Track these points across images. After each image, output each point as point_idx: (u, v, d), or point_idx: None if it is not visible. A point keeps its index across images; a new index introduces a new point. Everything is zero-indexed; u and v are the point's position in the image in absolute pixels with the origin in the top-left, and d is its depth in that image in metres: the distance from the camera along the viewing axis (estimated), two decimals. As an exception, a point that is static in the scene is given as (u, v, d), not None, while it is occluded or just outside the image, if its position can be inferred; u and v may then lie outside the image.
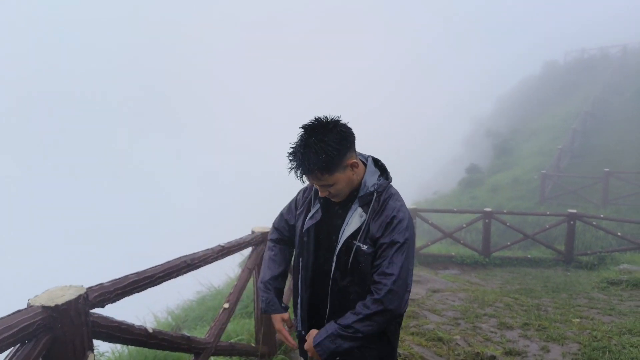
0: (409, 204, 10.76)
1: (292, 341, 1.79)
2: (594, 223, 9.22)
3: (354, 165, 1.62)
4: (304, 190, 1.89)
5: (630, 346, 3.93)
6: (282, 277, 1.89)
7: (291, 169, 1.57)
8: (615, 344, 3.99)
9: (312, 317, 1.79)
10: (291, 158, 1.56)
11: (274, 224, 2.00)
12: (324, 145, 1.50)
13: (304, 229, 1.75)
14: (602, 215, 9.78)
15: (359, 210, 1.65)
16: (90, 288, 1.59)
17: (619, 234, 8.97)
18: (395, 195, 1.71)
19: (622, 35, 30.77)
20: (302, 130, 1.56)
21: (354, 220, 1.64)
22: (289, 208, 1.96)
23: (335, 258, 1.66)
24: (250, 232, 3.21)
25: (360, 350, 1.68)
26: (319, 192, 1.67)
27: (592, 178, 14.31)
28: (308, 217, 1.75)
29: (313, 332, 1.69)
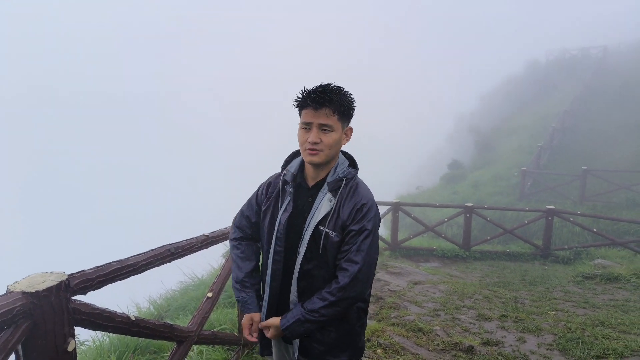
0: (392, 197, 10.87)
1: (254, 338, 1.75)
2: (571, 219, 9.47)
3: (347, 133, 1.70)
4: (267, 185, 1.86)
5: (603, 337, 4.06)
6: (255, 271, 1.86)
7: (301, 103, 1.61)
8: (588, 336, 4.12)
9: (278, 305, 1.77)
10: (304, 93, 1.60)
11: (234, 223, 1.95)
12: (345, 93, 1.63)
13: (280, 223, 1.72)
14: (579, 212, 10.05)
15: (329, 195, 1.67)
16: (72, 275, 1.56)
17: (594, 230, 9.24)
18: (362, 183, 1.75)
19: (602, 37, 31.44)
20: (315, 85, 1.62)
21: (324, 205, 1.66)
22: (249, 204, 1.92)
23: (304, 243, 1.66)
24: (234, 222, 3.19)
25: (320, 332, 1.71)
26: (311, 136, 1.61)
27: (570, 176, 14.65)
28: (282, 211, 1.73)
29: (274, 319, 1.68)
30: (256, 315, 1.76)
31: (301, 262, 1.67)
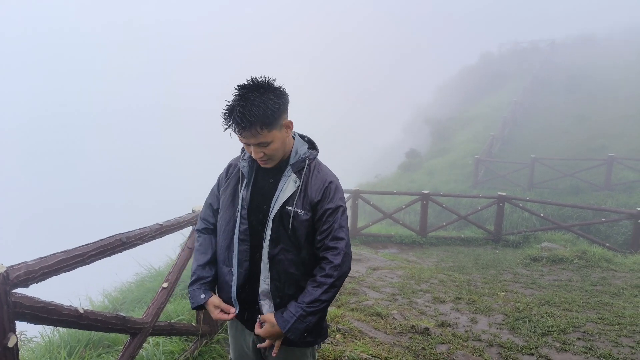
0: (352, 186, 10.98)
1: (229, 316, 1.71)
2: (520, 205, 9.94)
3: (288, 126, 1.65)
4: (227, 167, 1.85)
5: (548, 315, 4.31)
6: (209, 264, 1.80)
7: (228, 125, 1.53)
8: (535, 314, 4.36)
9: (246, 295, 1.73)
10: (227, 115, 1.52)
11: (199, 215, 1.94)
12: (265, 99, 1.50)
13: (243, 199, 1.69)
14: (527, 198, 10.56)
15: (293, 176, 1.67)
16: (11, 267, 1.47)
17: (541, 215, 9.74)
18: (323, 164, 1.78)
19: (550, 31, 32.99)
20: (239, 88, 1.53)
21: (289, 185, 1.65)
22: (211, 193, 1.91)
23: (269, 225, 1.64)
24: (191, 211, 3.12)
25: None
26: (253, 154, 1.61)
27: (519, 163, 15.34)
28: (243, 189, 1.70)
29: (268, 316, 1.64)
30: (215, 300, 1.72)
31: (268, 246, 1.64)
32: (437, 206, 10.34)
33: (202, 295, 1.73)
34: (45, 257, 1.64)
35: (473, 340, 3.74)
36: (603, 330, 3.95)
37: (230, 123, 1.52)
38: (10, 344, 1.38)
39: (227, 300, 1.73)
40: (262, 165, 1.69)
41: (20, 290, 1.51)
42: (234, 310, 1.70)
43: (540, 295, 5.20)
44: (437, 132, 23.72)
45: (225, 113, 1.53)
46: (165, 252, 6.58)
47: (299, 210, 1.63)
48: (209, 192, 1.94)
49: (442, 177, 16.73)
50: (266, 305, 1.67)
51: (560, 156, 15.40)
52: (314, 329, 1.69)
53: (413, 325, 3.94)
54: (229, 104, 1.53)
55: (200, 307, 1.74)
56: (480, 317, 4.37)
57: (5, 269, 1.39)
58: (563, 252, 7.47)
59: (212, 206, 1.89)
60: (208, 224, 1.88)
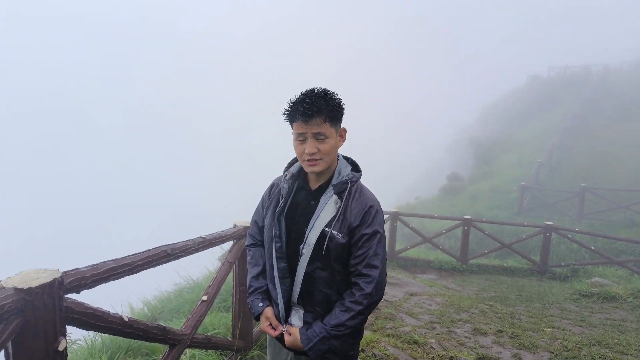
0: (391, 207, 10.83)
1: (276, 332, 1.75)
2: (569, 236, 9.44)
3: (342, 136, 1.69)
4: (270, 187, 1.89)
5: (599, 357, 4.02)
6: (261, 275, 1.87)
7: (292, 112, 1.58)
8: (585, 355, 4.08)
9: (287, 306, 1.76)
10: (291, 108, 1.59)
11: (248, 231, 2.01)
12: (331, 97, 1.59)
13: (280, 222, 1.72)
14: (577, 229, 10.03)
15: (334, 197, 1.66)
16: (66, 272, 1.53)
17: (592, 247, 9.22)
18: (366, 187, 1.77)
19: (604, 55, 31.69)
20: (303, 92, 1.60)
21: (329, 207, 1.65)
22: (256, 210, 1.98)
23: (308, 245, 1.64)
24: (232, 226, 3.16)
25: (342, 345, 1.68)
26: (308, 148, 1.60)
27: (568, 192, 14.65)
28: (280, 209, 1.73)
29: (294, 330, 1.68)
30: (266, 312, 1.78)
31: (304, 264, 1.66)
32: (479, 232, 10.00)
33: (260, 304, 1.80)
34: (97, 264, 1.69)
35: (516, 377, 3.54)
36: (663, 378, 3.64)
37: (294, 113, 1.57)
38: (61, 348, 1.43)
39: (276, 315, 1.77)
40: (309, 168, 1.65)
41: (71, 296, 1.57)
42: (280, 329, 1.73)
43: (590, 335, 4.87)
44: (481, 155, 23.13)
45: (288, 107, 1.60)
46: (203, 263, 6.72)
47: (335, 232, 1.62)
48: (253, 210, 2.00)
49: (485, 203, 16.22)
50: (295, 318, 1.71)
51: (613, 186, 14.59)
52: (339, 353, 1.67)
53: (452, 357, 3.78)
54: (292, 100, 1.60)
55: (259, 317, 1.80)
56: (525, 353, 4.13)
57: (61, 274, 1.45)
58: (616, 289, 7.00)
59: (257, 223, 1.95)
60: (255, 240, 1.95)
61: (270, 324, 1.76)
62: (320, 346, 1.60)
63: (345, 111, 1.67)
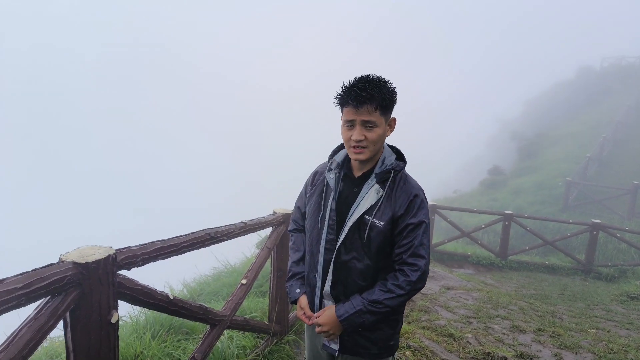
0: (429, 200, 10.65)
1: (310, 321, 1.77)
2: (618, 235, 8.99)
3: (391, 125, 1.66)
4: (314, 174, 1.90)
5: (648, 361, 3.84)
6: (302, 260, 1.90)
7: (344, 97, 1.57)
8: (632, 359, 3.90)
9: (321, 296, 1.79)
10: (344, 93, 1.58)
11: (291, 217, 2.05)
12: (385, 85, 1.57)
13: (331, 210, 1.72)
14: (627, 228, 9.53)
15: (376, 186, 1.65)
16: (118, 250, 1.62)
17: (643, 248, 8.74)
18: (411, 176, 1.73)
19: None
20: (357, 78, 1.59)
21: (371, 195, 1.64)
22: (300, 196, 1.99)
23: (344, 232, 1.65)
24: (271, 213, 3.22)
25: (371, 333, 1.71)
26: (355, 134, 1.59)
27: (619, 189, 13.92)
28: (330, 199, 1.73)
29: (325, 314, 1.68)
30: (301, 300, 1.81)
31: (339, 251, 1.67)
32: (519, 228, 9.69)
33: (298, 290, 1.83)
34: (146, 244, 1.78)
35: (557, 377, 3.44)
36: None
37: (346, 98, 1.56)
38: (113, 320, 1.52)
39: (311, 302, 1.79)
40: (355, 156, 1.64)
41: (123, 272, 1.66)
42: (314, 319, 1.73)
43: (638, 338, 4.64)
44: (524, 149, 22.29)
45: (341, 92, 1.59)
46: (240, 249, 6.88)
47: (377, 221, 1.61)
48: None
49: (527, 198, 15.65)
50: (328, 304, 1.73)
51: (669, 184, 13.72)
52: (371, 329, 1.68)
53: (489, 352, 3.71)
54: (344, 87, 1.58)
55: (296, 302, 1.84)
56: (566, 353, 4.00)
57: (114, 251, 1.54)
58: (668, 292, 6.63)
59: (300, 209, 1.97)
60: (298, 225, 1.98)
61: (304, 313, 1.78)
62: (355, 318, 1.60)
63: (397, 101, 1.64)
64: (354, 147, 1.61)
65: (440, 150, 42.57)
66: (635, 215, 12.81)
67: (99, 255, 1.46)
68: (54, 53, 65.25)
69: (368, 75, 1.57)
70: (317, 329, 1.69)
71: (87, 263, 1.41)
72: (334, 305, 1.67)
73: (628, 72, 27.96)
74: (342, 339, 1.72)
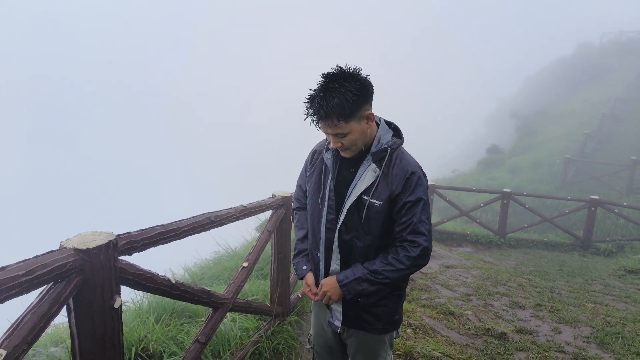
0: (428, 180, 10.66)
1: (316, 298, 1.80)
2: (616, 210, 9.05)
3: (369, 118, 1.62)
4: (312, 152, 1.90)
5: (645, 334, 3.90)
6: (306, 237, 1.94)
7: (308, 115, 1.56)
8: (629, 331, 3.97)
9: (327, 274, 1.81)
10: (309, 104, 1.56)
11: (294, 195, 2.07)
12: (344, 91, 1.50)
13: (330, 190, 1.74)
14: (625, 204, 9.57)
15: (373, 165, 1.66)
16: (119, 235, 1.62)
17: (641, 223, 8.80)
18: (408, 153, 1.73)
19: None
20: (322, 77, 1.55)
21: (368, 175, 1.65)
22: (301, 175, 2.01)
23: (343, 212, 1.67)
24: (271, 196, 3.22)
25: (375, 307, 1.75)
26: (332, 143, 1.64)
27: (617, 165, 13.94)
28: (329, 179, 1.75)
29: (326, 280, 1.73)
30: (307, 278, 1.85)
31: (341, 231, 1.70)
32: (518, 206, 9.73)
33: (305, 267, 1.88)
34: (146, 229, 1.78)
35: (556, 351, 3.50)
36: None
37: (310, 112, 1.56)
38: (116, 305, 1.53)
39: (316, 279, 1.83)
40: (342, 154, 1.70)
41: (124, 258, 1.66)
42: (320, 296, 1.76)
43: (635, 311, 4.71)
44: (523, 127, 22.24)
45: (306, 101, 1.56)
46: (241, 232, 6.91)
47: (374, 200, 1.63)
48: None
49: (525, 176, 15.69)
50: None
51: (667, 159, 13.73)
52: (371, 298, 1.71)
53: (489, 328, 3.77)
54: (311, 92, 1.56)
55: (303, 278, 1.87)
56: (565, 327, 4.06)
57: (115, 236, 1.54)
58: (666, 266, 6.70)
59: (301, 187, 2.00)
60: (301, 203, 2.00)
61: (311, 290, 1.82)
62: (355, 285, 1.64)
63: (373, 91, 1.61)
64: (337, 148, 1.67)
65: (439, 130, 42.42)
66: (633, 191, 12.86)
67: (100, 241, 1.46)
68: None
69: (329, 81, 1.53)
70: (319, 292, 1.74)
71: (88, 249, 1.41)
72: (335, 276, 1.72)
73: (628, 48, 27.69)
74: (346, 313, 1.76)
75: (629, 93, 20.44)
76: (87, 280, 1.43)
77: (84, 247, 1.40)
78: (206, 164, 49.15)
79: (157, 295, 2.65)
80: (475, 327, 3.84)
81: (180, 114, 62.00)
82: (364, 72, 1.58)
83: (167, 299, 3.36)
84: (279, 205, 3.16)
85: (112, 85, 62.90)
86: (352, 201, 1.65)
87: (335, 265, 1.74)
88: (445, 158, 28.49)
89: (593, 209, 8.69)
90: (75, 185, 43.51)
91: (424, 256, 1.62)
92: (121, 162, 49.23)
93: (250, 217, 2.96)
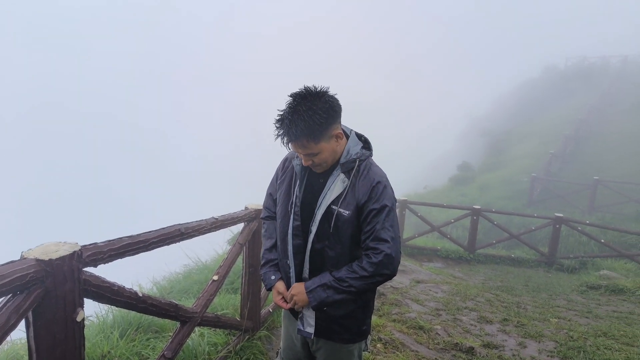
0: (400, 196, 10.81)
1: (287, 305, 1.80)
2: (579, 228, 9.39)
3: (338, 136, 1.67)
4: (284, 160, 1.92)
5: (605, 348, 4.03)
6: (274, 247, 1.93)
7: (277, 135, 1.59)
8: (590, 345, 4.09)
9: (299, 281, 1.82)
10: (278, 125, 1.58)
11: (263, 204, 2.06)
12: (312, 113, 1.53)
13: (296, 197, 1.76)
14: (587, 222, 9.96)
15: (342, 176, 1.69)
16: (84, 246, 1.57)
17: (602, 240, 9.16)
18: (375, 165, 1.77)
19: (623, 47, 31.01)
20: (291, 98, 1.58)
21: (337, 185, 1.68)
22: (271, 183, 2.01)
23: (315, 222, 1.69)
24: (244, 208, 3.20)
25: (343, 318, 1.76)
26: (303, 162, 1.69)
27: (580, 184, 14.51)
28: (297, 186, 1.77)
29: (296, 285, 1.74)
30: (278, 286, 1.83)
31: (312, 241, 1.71)
32: (487, 222, 9.97)
33: (273, 277, 1.86)
34: (113, 240, 1.74)
35: (521, 365, 3.57)
36: (668, 370, 3.65)
37: (280, 132, 1.58)
38: (79, 319, 1.48)
39: (286, 288, 1.83)
40: (314, 170, 1.73)
41: (89, 269, 1.62)
42: (291, 305, 1.77)
43: (596, 326, 4.87)
44: (493, 145, 22.93)
45: (276, 122, 1.59)
46: (212, 246, 6.80)
47: (342, 210, 1.65)
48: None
49: (494, 193, 16.13)
50: None
51: (626, 180, 14.39)
52: (343, 323, 1.75)
53: (457, 343, 3.82)
54: (280, 113, 1.58)
55: (272, 289, 1.86)
56: (530, 342, 4.16)
57: (80, 247, 1.49)
58: (624, 282, 6.97)
59: (271, 196, 1.99)
60: (270, 212, 2.00)
61: (283, 297, 1.81)
62: (320, 292, 1.65)
63: (341, 110, 1.64)
64: (308, 166, 1.70)
65: (412, 146, 43.21)
66: (595, 209, 13.39)
67: (64, 251, 1.42)
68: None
69: (297, 103, 1.55)
70: (288, 295, 1.75)
71: (50, 260, 1.36)
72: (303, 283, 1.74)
73: (590, 72, 29.08)
74: (317, 323, 1.76)
75: (591, 115, 21.40)
76: (49, 292, 1.38)
77: (46, 258, 1.36)
78: (183, 176, 48.38)
79: (122, 309, 2.56)
80: (444, 341, 3.89)
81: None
82: (331, 91, 1.62)
83: (133, 313, 3.27)
84: (251, 217, 3.14)
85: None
86: (322, 212, 1.67)
87: (305, 274, 1.76)
88: (417, 174, 28.98)
89: (558, 226, 8.99)
90: (44, 194, 42.16)
91: (388, 264, 1.61)
92: (89, 168, 48.01)
93: (223, 230, 2.93)
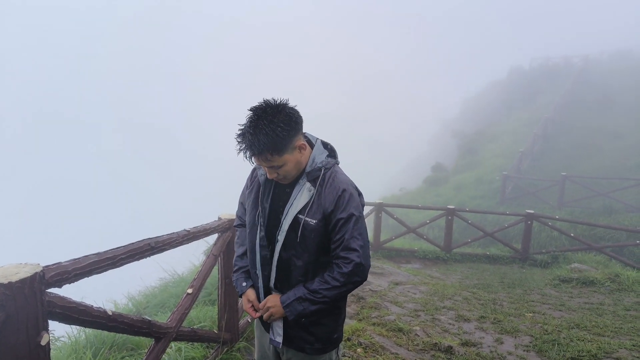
0: (376, 199, 10.90)
1: (256, 314, 1.80)
2: (550, 223, 9.65)
3: (301, 147, 1.67)
4: (252, 170, 1.92)
5: (578, 339, 4.15)
6: (246, 254, 1.92)
7: (240, 150, 1.58)
8: (564, 337, 4.20)
9: (267, 291, 1.82)
10: (240, 140, 1.57)
11: (236, 212, 2.07)
12: (273, 127, 1.52)
13: (264, 209, 1.76)
14: (557, 217, 10.24)
15: (308, 185, 1.69)
16: (47, 267, 1.52)
17: (572, 234, 9.43)
18: (341, 171, 1.77)
19: (584, 47, 32.26)
20: (251, 112, 1.57)
21: (303, 194, 1.68)
22: (242, 192, 2.01)
23: (282, 232, 1.69)
24: (217, 219, 3.16)
25: (313, 327, 1.76)
26: (268, 175, 1.69)
27: (549, 181, 14.93)
28: (265, 197, 1.78)
29: (271, 297, 1.74)
30: (249, 294, 1.84)
31: (280, 250, 1.70)
32: (462, 222, 10.14)
33: (244, 284, 1.86)
34: (79, 258, 1.69)
35: (498, 361, 3.63)
36: (637, 357, 3.77)
37: (242, 147, 1.57)
38: (43, 342, 1.43)
39: (257, 297, 1.83)
40: (280, 182, 1.74)
41: (53, 290, 1.56)
42: (261, 312, 1.77)
43: (569, 318, 5.01)
44: (464, 146, 23.41)
45: (237, 137, 1.58)
46: (188, 258, 6.69)
47: (309, 219, 1.66)
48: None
49: (468, 193, 16.45)
50: None
51: (593, 175, 14.90)
52: (318, 328, 1.76)
53: (436, 343, 3.85)
54: (241, 127, 1.57)
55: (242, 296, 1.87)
56: (506, 337, 4.24)
57: (42, 268, 1.44)
58: (594, 274, 7.19)
59: (242, 205, 2.00)
60: (242, 220, 2.01)
61: (252, 306, 1.81)
62: (297, 305, 1.66)
63: (302, 121, 1.64)
64: (273, 178, 1.71)
65: (388, 150, 43.77)
66: (564, 205, 13.80)
67: (24, 273, 1.37)
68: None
69: (257, 117, 1.54)
70: (263, 307, 1.74)
71: (10, 283, 1.31)
72: (278, 295, 1.75)
73: (554, 72, 30.07)
74: (287, 332, 1.76)
75: (557, 113, 22.12)
76: (10, 316, 1.33)
77: (5, 282, 1.30)
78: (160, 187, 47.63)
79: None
80: (423, 342, 3.92)
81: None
82: (291, 103, 1.63)
83: (107, 332, 3.18)
84: (225, 228, 3.11)
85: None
86: (289, 221, 1.67)
87: (271, 283, 1.76)
88: (393, 177, 29.34)
89: (529, 222, 9.23)
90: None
91: (358, 272, 1.65)
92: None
93: (199, 241, 2.89)
